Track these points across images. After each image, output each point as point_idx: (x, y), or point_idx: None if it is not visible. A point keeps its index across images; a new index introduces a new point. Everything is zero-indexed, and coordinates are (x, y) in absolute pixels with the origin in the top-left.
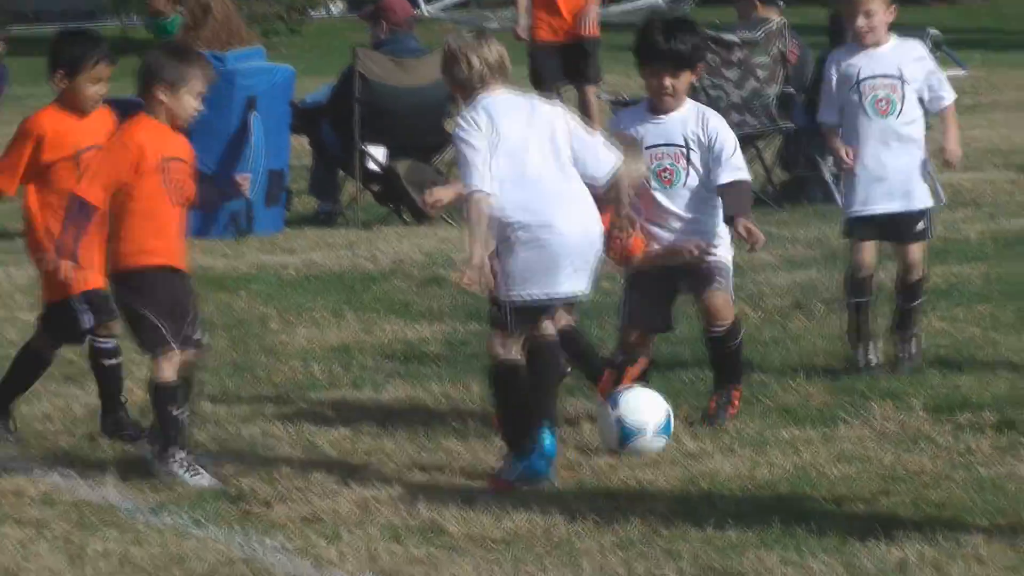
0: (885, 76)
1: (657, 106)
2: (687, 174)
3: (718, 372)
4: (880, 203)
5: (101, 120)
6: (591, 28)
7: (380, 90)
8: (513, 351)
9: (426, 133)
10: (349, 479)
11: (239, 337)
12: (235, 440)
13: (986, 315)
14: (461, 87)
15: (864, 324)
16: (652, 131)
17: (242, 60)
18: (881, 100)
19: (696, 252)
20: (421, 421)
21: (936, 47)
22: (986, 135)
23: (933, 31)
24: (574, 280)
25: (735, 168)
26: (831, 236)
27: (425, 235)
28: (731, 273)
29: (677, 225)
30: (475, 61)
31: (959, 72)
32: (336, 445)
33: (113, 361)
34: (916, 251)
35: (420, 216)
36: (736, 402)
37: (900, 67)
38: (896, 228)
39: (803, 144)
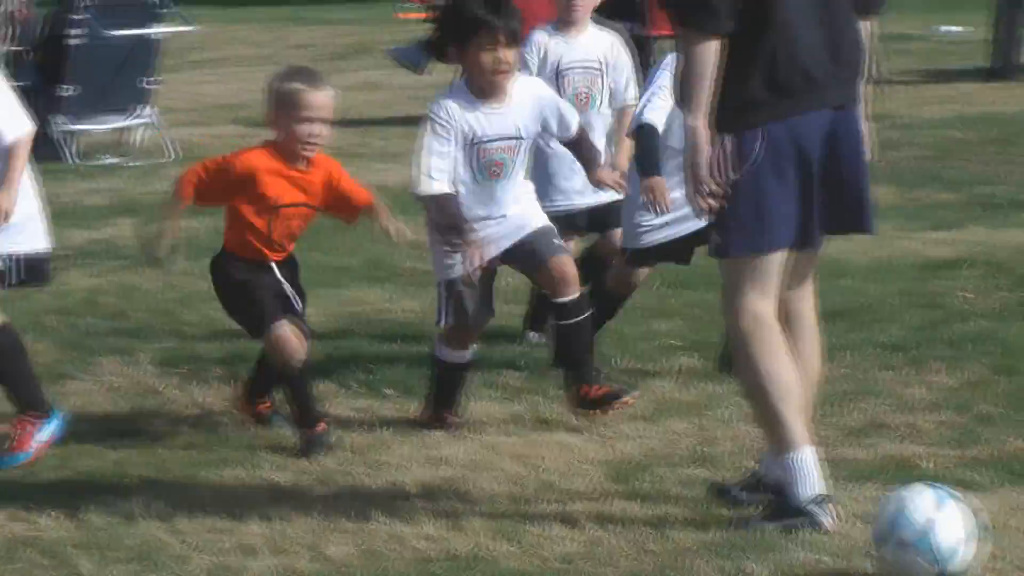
0: (586, 67)
1: (487, 90)
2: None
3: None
4: (584, 197)
5: None
6: None
7: None
8: None
9: None
10: None
11: None
12: None
13: None
14: None
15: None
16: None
17: None
18: (581, 93)
19: None
20: None
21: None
22: (217, 90)
23: None
24: None
25: None
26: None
27: None
28: None
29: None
30: None
31: (188, 29)
32: None
33: None
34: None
35: None
36: None
37: (601, 57)
38: (596, 220)
39: (32, 100)
